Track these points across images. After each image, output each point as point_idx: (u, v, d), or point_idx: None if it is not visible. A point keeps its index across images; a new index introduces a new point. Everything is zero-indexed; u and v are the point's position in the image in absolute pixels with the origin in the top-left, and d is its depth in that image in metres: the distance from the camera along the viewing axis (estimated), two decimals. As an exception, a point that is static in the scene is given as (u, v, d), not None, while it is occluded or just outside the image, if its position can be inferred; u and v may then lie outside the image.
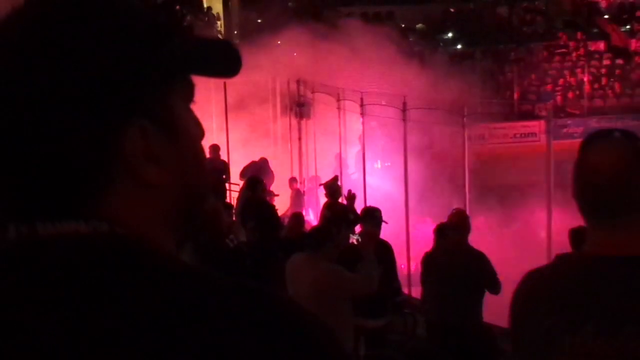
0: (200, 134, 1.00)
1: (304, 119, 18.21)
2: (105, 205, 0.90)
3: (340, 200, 11.46)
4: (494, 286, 7.68)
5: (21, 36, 0.89)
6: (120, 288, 0.85)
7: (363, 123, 15.14)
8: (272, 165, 16.09)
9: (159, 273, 0.87)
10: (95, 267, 0.86)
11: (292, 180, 16.32)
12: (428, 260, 8.22)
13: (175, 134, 0.94)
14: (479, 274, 7.71)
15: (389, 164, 17.20)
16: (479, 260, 7.79)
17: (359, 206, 10.35)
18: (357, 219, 8.64)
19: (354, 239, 8.49)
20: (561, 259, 2.12)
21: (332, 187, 11.44)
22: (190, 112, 0.98)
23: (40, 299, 0.84)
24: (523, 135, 25.38)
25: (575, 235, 8.34)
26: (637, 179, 1.94)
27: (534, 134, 25.40)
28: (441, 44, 28.99)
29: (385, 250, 7.96)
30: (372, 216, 8.06)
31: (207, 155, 15.10)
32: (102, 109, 0.88)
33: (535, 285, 2.07)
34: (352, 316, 6.55)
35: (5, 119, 0.88)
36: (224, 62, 0.98)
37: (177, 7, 0.96)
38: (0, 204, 0.91)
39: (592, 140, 2.01)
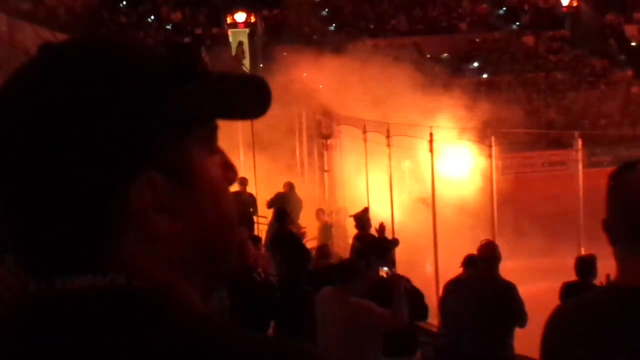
0: (229, 176, 0.97)
1: (331, 151, 18.24)
2: (120, 257, 0.89)
3: (370, 231, 11.44)
4: (522, 319, 7.62)
5: (31, 89, 0.89)
6: (138, 342, 0.84)
7: (390, 154, 15.14)
8: (300, 196, 16.12)
9: (177, 326, 0.86)
10: (113, 321, 0.85)
11: (320, 211, 16.31)
12: (454, 289, 8.16)
13: (190, 182, 0.92)
14: (509, 305, 7.65)
15: (416, 194, 17.13)
16: (509, 291, 7.73)
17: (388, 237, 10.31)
18: (386, 250, 8.61)
19: (383, 272, 8.46)
20: (594, 291, 2.11)
21: (362, 219, 11.43)
22: (214, 155, 0.96)
23: (61, 353, 0.84)
24: (552, 164, 25.21)
25: (582, 264, 8.27)
26: None
27: (563, 163, 25.24)
28: (467, 73, 28.99)
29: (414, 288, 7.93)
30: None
31: (239, 187, 15.24)
32: (107, 164, 0.87)
33: (569, 318, 2.07)
34: (380, 353, 6.49)
35: (17, 175, 0.88)
36: (249, 104, 0.96)
37: (195, 49, 0.93)
38: (19, 261, 0.92)
39: (628, 169, 2.04)
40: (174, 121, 0.90)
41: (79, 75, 0.88)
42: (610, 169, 2.08)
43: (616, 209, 2.01)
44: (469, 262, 8.23)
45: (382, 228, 10.39)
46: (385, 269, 8.45)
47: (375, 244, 10.16)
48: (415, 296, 7.83)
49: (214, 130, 0.96)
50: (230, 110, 0.96)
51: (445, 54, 30.08)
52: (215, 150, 0.96)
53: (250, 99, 0.96)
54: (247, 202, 15.40)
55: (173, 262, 0.92)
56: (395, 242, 10.62)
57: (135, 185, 0.88)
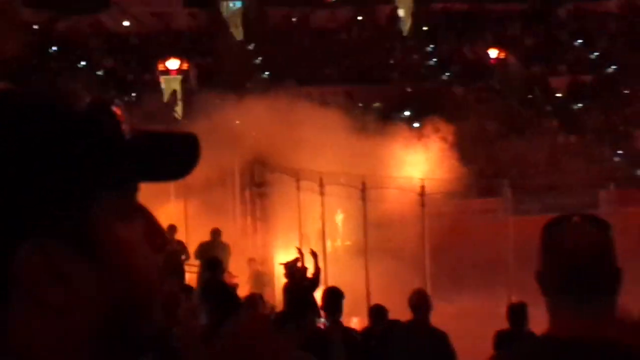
0: (154, 242, 0.90)
1: (264, 199, 18.18)
2: (6, 332, 0.83)
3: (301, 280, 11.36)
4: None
5: None
6: None
7: (323, 203, 15.15)
8: (232, 244, 15.98)
9: None
10: None
11: (251, 260, 16.18)
12: (387, 339, 8.16)
13: (95, 251, 0.84)
14: (442, 354, 7.66)
15: (349, 242, 17.16)
16: (441, 340, 7.75)
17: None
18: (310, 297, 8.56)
19: (320, 324, 8.38)
20: (527, 342, 2.13)
21: (292, 268, 11.36)
22: (134, 220, 0.88)
23: None
24: (483, 212, 25.56)
25: (513, 312, 8.36)
26: (605, 260, 2.00)
27: (492, 210, 25.63)
28: (398, 122, 29.34)
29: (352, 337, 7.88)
30: (339, 304, 7.99)
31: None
32: None
33: None
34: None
35: None
36: (174, 165, 0.90)
37: (111, 110, 0.86)
38: None
39: (560, 223, 2.05)
40: (76, 188, 0.83)
41: None
42: (538, 217, 2.12)
43: (548, 261, 2.02)
44: (375, 312, 8.20)
45: (313, 282, 10.37)
46: (322, 319, 8.39)
47: (304, 294, 10.12)
48: (354, 347, 7.77)
49: (132, 194, 0.88)
50: (150, 173, 0.89)
51: (377, 103, 30.43)
52: (134, 214, 0.88)
53: (176, 159, 0.89)
54: (176, 251, 15.18)
55: (69, 336, 0.84)
56: (316, 280, 10.53)
57: (24, 251, 0.81)
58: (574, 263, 2.00)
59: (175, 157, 0.89)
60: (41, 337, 0.83)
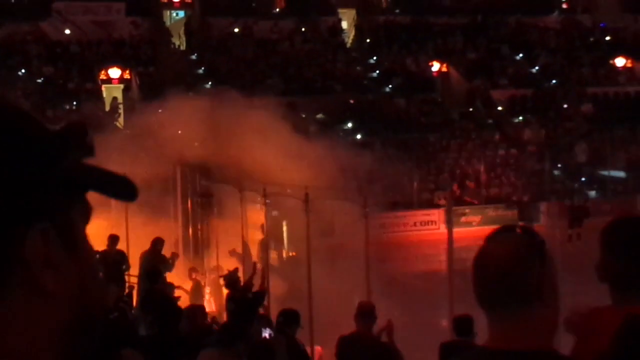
0: (94, 254, 0.99)
1: (206, 209, 18.06)
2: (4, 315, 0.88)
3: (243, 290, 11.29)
4: None
5: None
6: None
7: (266, 214, 15.10)
8: (173, 254, 15.82)
9: None
10: None
11: (192, 270, 16.03)
12: (342, 348, 8.18)
13: (74, 243, 0.93)
14: None
15: (293, 253, 17.14)
16: (385, 352, 7.78)
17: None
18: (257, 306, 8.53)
19: (266, 334, 8.35)
20: (467, 354, 2.15)
21: (232, 278, 11.29)
22: (86, 232, 0.98)
23: None
24: (423, 223, 25.77)
25: (458, 323, 8.46)
26: (523, 273, 1.98)
27: (433, 222, 25.87)
28: (341, 133, 29.44)
29: (297, 348, 7.88)
30: (292, 319, 8.03)
31: (105, 246, 14.81)
32: (4, 209, 0.87)
33: None
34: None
35: None
36: (120, 191, 0.99)
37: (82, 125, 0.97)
38: None
39: (492, 235, 2.08)
40: (67, 180, 0.93)
41: None
42: (479, 229, 2.13)
43: (475, 276, 2.04)
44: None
45: (260, 293, 10.33)
46: (268, 330, 8.36)
47: (247, 304, 10.08)
48: (298, 357, 7.75)
49: (90, 209, 0.98)
50: (104, 189, 0.98)
51: (320, 114, 30.49)
52: (87, 224, 0.98)
53: (121, 187, 0.99)
54: (117, 261, 14.98)
55: (48, 325, 0.90)
56: (262, 294, 10.53)
57: (32, 233, 0.88)
58: (483, 276, 2.03)
59: (120, 189, 0.98)
60: (30, 322, 0.89)
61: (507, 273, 1.99)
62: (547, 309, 2.01)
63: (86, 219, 0.97)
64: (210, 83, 31.22)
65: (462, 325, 8.35)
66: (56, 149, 0.93)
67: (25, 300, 0.89)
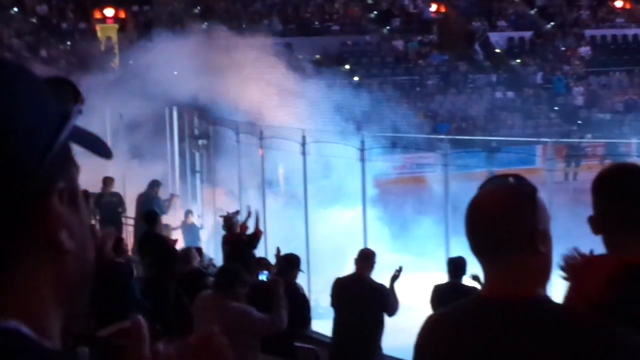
0: (87, 210, 1.01)
1: (203, 151, 18.02)
2: (14, 277, 0.90)
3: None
4: (392, 310, 7.89)
5: None
6: None
7: (262, 156, 15.07)
8: (170, 196, 15.83)
9: None
10: None
11: (189, 212, 16.03)
12: (336, 290, 8.30)
13: (77, 205, 0.96)
14: (380, 306, 7.84)
15: (290, 196, 17.14)
16: (380, 292, 7.92)
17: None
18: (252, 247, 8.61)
19: (263, 278, 8.41)
20: (462, 301, 2.19)
21: (230, 221, 11.30)
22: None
23: None
24: (421, 166, 25.76)
25: (452, 265, 8.57)
26: (514, 220, 1.99)
27: (431, 165, 25.85)
28: (339, 75, 29.24)
29: (295, 291, 7.97)
30: (293, 264, 8.13)
31: (101, 188, 14.78)
32: (28, 171, 0.89)
33: (438, 329, 2.14)
34: (258, 354, 6.49)
35: None
36: (99, 149, 1.01)
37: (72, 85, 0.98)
38: None
39: (484, 183, 2.09)
40: (68, 145, 0.95)
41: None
42: (476, 173, 2.14)
43: (467, 224, 2.03)
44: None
45: (256, 234, 10.37)
46: (266, 272, 8.42)
47: (242, 244, 10.13)
48: (298, 300, 7.84)
49: (78, 164, 0.99)
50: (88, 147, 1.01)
51: (317, 56, 30.26)
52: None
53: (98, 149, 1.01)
54: (113, 203, 14.98)
55: (58, 284, 0.93)
56: (256, 237, 10.56)
57: (51, 195, 0.91)
58: (476, 224, 2.03)
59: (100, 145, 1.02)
60: (43, 284, 0.92)
61: (500, 221, 1.98)
62: (539, 257, 2.00)
63: (77, 177, 0.99)
64: (206, 23, 30.88)
65: (456, 266, 8.45)
66: (65, 109, 0.94)
67: (41, 260, 0.92)
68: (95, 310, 6.82)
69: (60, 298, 0.94)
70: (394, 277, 8.21)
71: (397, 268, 8.33)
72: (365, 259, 8.15)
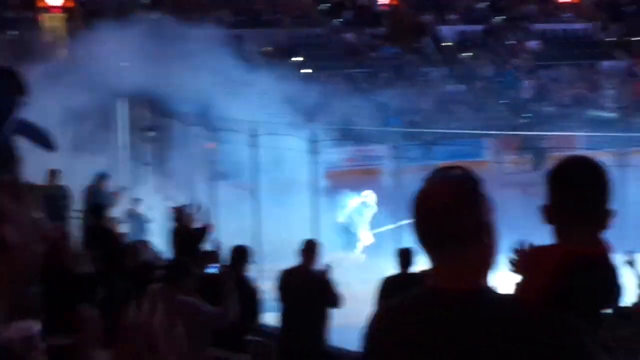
0: (31, 203, 0.95)
1: (153, 143, 17.86)
2: None
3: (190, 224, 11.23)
4: (337, 301, 7.92)
5: None
6: None
7: (213, 148, 14.99)
8: (118, 189, 15.66)
9: None
10: None
11: (135, 201, 15.85)
12: (281, 281, 8.31)
13: (19, 195, 0.89)
14: (324, 298, 7.90)
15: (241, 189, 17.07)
16: (324, 284, 7.97)
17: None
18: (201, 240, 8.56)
19: (213, 270, 8.38)
20: (410, 292, 2.18)
21: (181, 212, 11.24)
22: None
23: None
24: (371, 157, 25.83)
25: (401, 255, 8.69)
26: (458, 212, 1.99)
27: (379, 157, 25.96)
28: (289, 68, 29.17)
29: (247, 284, 7.95)
30: (243, 256, 8.12)
31: (47, 180, 14.57)
32: None
33: (387, 320, 2.15)
34: (208, 347, 6.45)
35: None
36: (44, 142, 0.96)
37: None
38: None
39: (430, 175, 2.10)
40: (12, 137, 0.85)
41: None
42: (425, 166, 2.14)
43: (413, 216, 2.04)
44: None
45: (203, 229, 10.32)
46: (216, 266, 8.39)
47: (192, 237, 10.07)
48: (248, 292, 7.81)
49: (21, 156, 0.92)
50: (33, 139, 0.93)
51: (268, 48, 30.15)
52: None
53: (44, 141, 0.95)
54: (57, 197, 14.71)
55: (6, 275, 0.87)
56: (205, 229, 10.53)
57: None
58: (421, 216, 2.04)
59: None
60: None
61: (444, 213, 1.99)
62: (484, 248, 2.01)
63: (20, 169, 0.94)
64: (155, 14, 30.56)
65: (404, 257, 8.53)
66: (9, 101, 0.91)
67: None
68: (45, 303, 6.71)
69: (5, 290, 0.92)
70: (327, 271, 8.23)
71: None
72: (310, 250, 8.18)
